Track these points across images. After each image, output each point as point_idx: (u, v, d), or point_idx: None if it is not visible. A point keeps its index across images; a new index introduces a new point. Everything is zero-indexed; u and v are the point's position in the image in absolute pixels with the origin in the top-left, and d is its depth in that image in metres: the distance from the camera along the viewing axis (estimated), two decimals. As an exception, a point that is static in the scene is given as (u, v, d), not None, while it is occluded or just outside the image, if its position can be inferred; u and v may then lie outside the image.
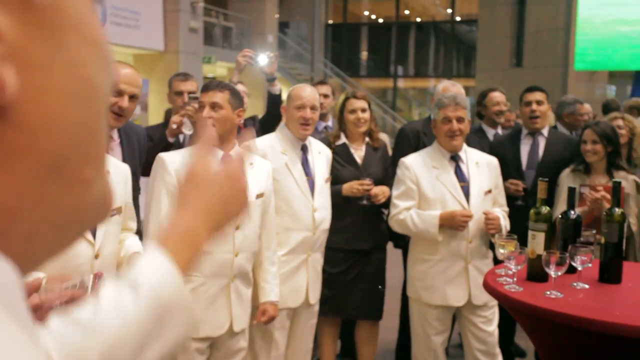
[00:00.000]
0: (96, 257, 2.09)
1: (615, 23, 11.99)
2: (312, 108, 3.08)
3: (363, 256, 3.45)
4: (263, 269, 2.75)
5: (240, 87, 4.52)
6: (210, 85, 2.62)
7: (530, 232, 2.41)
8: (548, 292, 2.19)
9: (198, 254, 0.81)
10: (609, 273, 2.37)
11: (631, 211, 3.27)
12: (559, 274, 2.21)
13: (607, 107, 6.82)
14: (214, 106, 2.55)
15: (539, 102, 3.71)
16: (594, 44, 12.06)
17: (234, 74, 4.05)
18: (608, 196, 3.10)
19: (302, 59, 17.77)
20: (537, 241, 2.38)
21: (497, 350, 3.14)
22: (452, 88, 3.66)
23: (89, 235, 2.06)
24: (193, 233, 0.81)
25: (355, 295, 3.44)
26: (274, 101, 3.85)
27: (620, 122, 3.82)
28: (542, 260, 2.29)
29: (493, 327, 3.12)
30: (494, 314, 3.13)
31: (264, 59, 4.16)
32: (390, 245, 3.74)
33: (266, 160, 2.82)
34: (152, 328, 0.74)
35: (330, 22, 21.25)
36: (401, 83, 22.15)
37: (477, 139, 3.81)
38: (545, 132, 3.75)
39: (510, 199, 3.43)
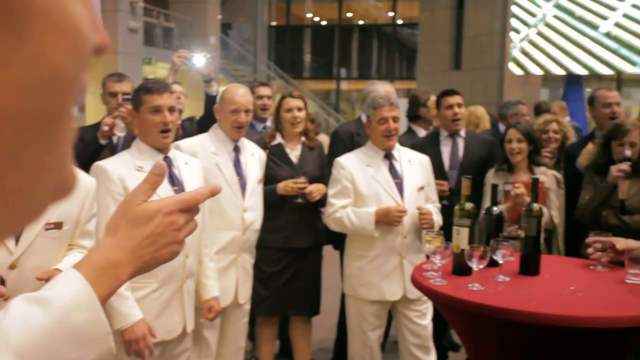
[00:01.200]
0: (12, 267, 2.00)
1: (546, 29, 12.44)
2: (246, 111, 3.12)
3: (300, 254, 3.49)
4: (203, 266, 2.77)
5: (177, 88, 4.50)
6: (167, 87, 2.60)
7: (454, 228, 2.51)
8: (470, 285, 2.28)
9: (116, 288, 0.80)
10: (528, 266, 2.49)
11: (552, 204, 3.42)
12: (481, 267, 2.31)
13: (539, 109, 7.09)
14: (172, 109, 2.55)
15: (459, 105, 3.84)
16: (528, 49, 12.48)
17: (169, 74, 4.03)
18: (525, 191, 3.20)
19: (245, 61, 17.71)
20: (461, 236, 2.47)
21: (431, 344, 3.24)
22: (386, 87, 3.77)
23: (10, 243, 1.98)
24: (115, 266, 0.79)
25: (292, 293, 3.48)
26: (211, 102, 3.85)
27: (555, 126, 4.00)
28: (465, 254, 2.39)
29: (427, 321, 3.22)
30: (427, 307, 3.22)
31: (200, 59, 4.15)
32: (329, 246, 3.80)
33: (196, 160, 2.82)
34: (59, 346, 0.73)
35: (274, 23, 21.25)
36: (344, 85, 22.36)
37: (407, 139, 3.93)
38: (462, 133, 3.90)
39: (438, 198, 3.55)
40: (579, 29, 11.88)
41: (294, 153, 3.53)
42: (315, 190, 3.40)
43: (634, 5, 11.09)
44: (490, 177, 3.54)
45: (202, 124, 3.82)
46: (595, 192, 3.33)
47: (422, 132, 4.29)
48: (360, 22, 23.14)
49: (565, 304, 2.15)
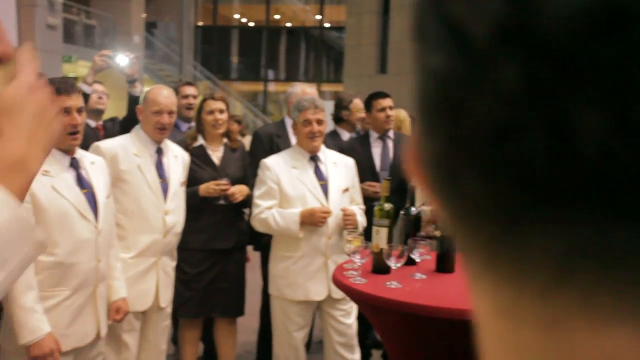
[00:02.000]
0: None
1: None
2: (170, 113, 3.09)
3: (223, 256, 3.48)
4: (111, 267, 2.72)
5: (98, 88, 4.40)
6: (75, 87, 2.53)
7: (374, 228, 2.58)
8: (389, 283, 2.36)
9: (30, 180, 0.79)
10: (444, 263, 2.59)
11: None
12: (399, 265, 2.39)
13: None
14: (80, 110, 2.49)
15: (391, 108, 3.94)
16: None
17: (89, 74, 3.93)
18: None
19: (171, 61, 17.42)
20: (380, 236, 2.54)
21: (356, 342, 3.30)
22: (309, 90, 3.81)
23: None
24: (21, 160, 0.78)
25: (216, 294, 3.47)
26: (134, 103, 3.77)
27: None
28: (384, 253, 2.46)
29: (352, 320, 3.28)
30: (352, 307, 3.29)
31: (123, 59, 4.07)
32: (250, 247, 3.81)
33: (100, 158, 2.76)
34: None
35: (200, 23, 20.99)
36: (272, 87, 22.35)
37: (332, 141, 3.99)
38: (391, 134, 4.00)
39: (369, 200, 3.62)
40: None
41: (216, 155, 3.53)
42: (237, 191, 3.41)
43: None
44: None
45: (125, 125, 3.74)
46: None
47: (345, 135, 4.36)
48: (288, 25, 23.21)
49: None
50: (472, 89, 0.23)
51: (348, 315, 3.26)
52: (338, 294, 3.18)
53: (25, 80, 0.81)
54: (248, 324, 3.91)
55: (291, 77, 22.71)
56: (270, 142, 3.75)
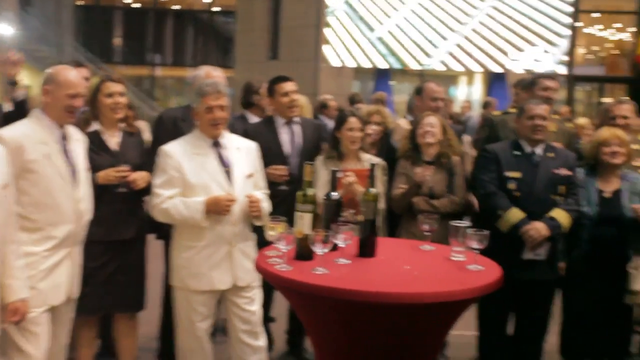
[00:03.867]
0: None
1: (359, 24, 13.13)
2: (82, 96, 2.92)
3: (123, 247, 3.32)
4: (8, 265, 2.48)
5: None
6: None
7: (297, 214, 2.52)
8: (315, 269, 2.31)
9: None
10: (366, 248, 2.58)
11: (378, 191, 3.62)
12: (326, 251, 2.35)
13: (353, 100, 7.47)
14: None
15: (294, 92, 3.88)
16: (344, 41, 13.07)
17: None
18: (357, 179, 3.41)
19: (49, 41, 16.32)
20: (303, 222, 2.49)
21: (260, 329, 3.25)
22: (214, 72, 3.67)
23: None
24: None
25: (115, 288, 3.30)
26: (21, 108, 3.34)
27: (377, 118, 4.21)
28: (308, 239, 2.41)
29: (256, 307, 3.22)
30: (256, 294, 3.23)
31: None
32: (151, 236, 3.63)
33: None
34: None
35: (81, 3, 19.84)
36: (159, 71, 21.61)
37: (240, 125, 3.89)
38: (298, 119, 3.95)
39: (275, 184, 3.56)
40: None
41: (113, 140, 3.35)
42: (139, 177, 3.26)
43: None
44: (320, 163, 3.63)
45: (10, 119, 3.31)
46: (406, 190, 3.61)
47: (254, 119, 4.27)
48: (176, 7, 22.46)
49: (405, 282, 2.27)
50: None
51: (252, 303, 3.20)
52: (243, 281, 3.12)
53: None
54: (149, 316, 3.74)
55: (178, 61, 22.06)
56: (174, 126, 3.58)
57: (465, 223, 2.60)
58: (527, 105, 3.60)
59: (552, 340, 3.74)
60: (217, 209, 2.99)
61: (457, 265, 2.51)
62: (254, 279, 3.18)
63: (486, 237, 2.49)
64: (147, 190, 3.26)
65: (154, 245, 3.70)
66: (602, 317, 3.62)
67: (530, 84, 4.16)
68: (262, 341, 3.25)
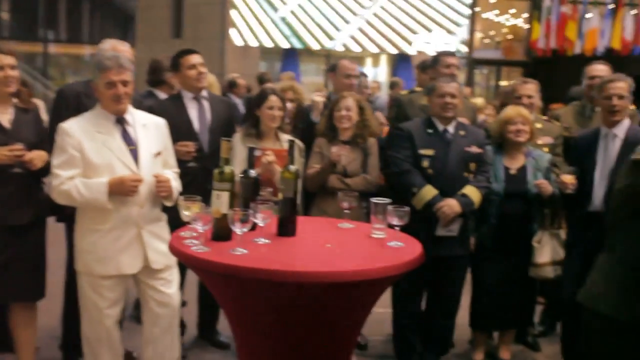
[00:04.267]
0: None
1: (265, 3, 12.94)
2: None
3: (20, 232, 3.11)
4: None
5: None
6: None
7: (214, 192, 2.41)
8: (233, 250, 2.22)
9: None
10: (286, 227, 2.51)
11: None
12: (245, 230, 2.26)
13: (262, 79, 7.35)
14: None
15: (202, 64, 3.74)
16: (249, 21, 12.85)
17: None
18: (275, 159, 3.35)
19: None
20: (221, 200, 2.39)
21: (178, 312, 3.12)
22: (121, 47, 3.46)
23: None
24: None
25: (11, 277, 3.09)
26: None
27: (291, 94, 4.15)
28: (227, 219, 2.31)
29: (174, 289, 3.08)
30: (173, 274, 3.09)
31: None
32: (51, 220, 3.39)
33: None
34: None
35: (-39, -28, 18.32)
36: (52, 48, 20.39)
37: (148, 102, 3.70)
38: (205, 94, 3.81)
39: (183, 162, 3.41)
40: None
41: (5, 117, 3.12)
42: (36, 157, 3.05)
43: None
44: (238, 140, 3.53)
45: None
46: (321, 168, 3.60)
47: (162, 96, 4.08)
48: (70, -20, 21.21)
49: (327, 261, 2.23)
50: None
51: (169, 284, 3.06)
52: (158, 264, 2.98)
53: None
54: (50, 305, 3.51)
55: (74, 38, 20.91)
56: (77, 102, 3.34)
57: (385, 200, 2.58)
58: (437, 83, 3.64)
59: (462, 313, 3.85)
60: (122, 190, 2.82)
61: (378, 243, 2.50)
62: (170, 260, 3.03)
63: (407, 214, 2.49)
64: (46, 170, 3.03)
65: (55, 228, 3.47)
66: (508, 289, 3.76)
67: (433, 62, 4.26)
68: (176, 329, 3.12)
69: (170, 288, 3.06)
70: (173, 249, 2.34)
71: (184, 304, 4.17)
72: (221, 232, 2.36)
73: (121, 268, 2.92)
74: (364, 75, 5.02)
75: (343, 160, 3.59)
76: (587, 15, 10.90)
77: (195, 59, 3.72)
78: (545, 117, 4.38)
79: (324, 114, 3.84)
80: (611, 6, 10.81)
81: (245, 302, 2.24)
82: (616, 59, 4.60)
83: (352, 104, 3.70)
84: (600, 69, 4.25)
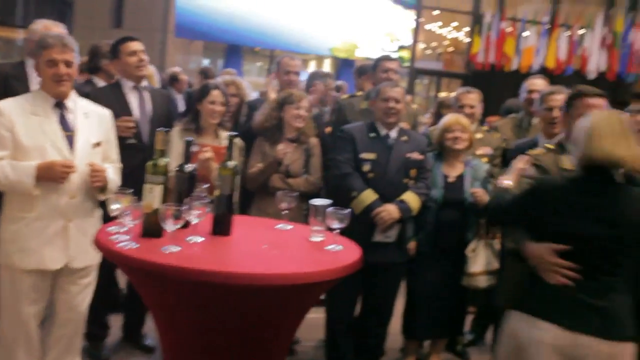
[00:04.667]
0: None
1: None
2: None
3: None
4: None
5: None
6: None
7: (147, 185, 2.28)
8: (165, 248, 2.10)
9: None
10: (221, 226, 2.41)
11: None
12: (177, 227, 2.14)
13: (206, 74, 7.17)
14: None
15: (143, 52, 3.61)
16: (192, 14, 12.58)
17: None
18: (213, 156, 3.24)
19: None
20: (154, 194, 2.26)
21: (84, 317, 2.96)
22: (55, 28, 3.28)
23: None
24: None
25: None
26: None
27: (233, 89, 4.05)
28: (158, 214, 2.19)
29: (86, 295, 2.92)
30: (90, 277, 2.93)
31: None
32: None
33: None
34: None
35: None
36: (-18, 30, 19.41)
37: (86, 89, 3.51)
38: (147, 85, 3.70)
39: (123, 139, 3.24)
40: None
41: None
42: None
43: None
44: (176, 134, 3.40)
45: None
46: (264, 167, 3.53)
47: (101, 84, 3.90)
48: (4, -40, 20.28)
49: (262, 263, 2.14)
50: None
51: (84, 290, 2.90)
52: (80, 262, 2.82)
53: None
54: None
55: (7, 21, 19.97)
56: (5, 84, 3.15)
57: (325, 201, 2.51)
58: (382, 88, 3.61)
59: (395, 320, 3.82)
60: (51, 175, 2.65)
61: (316, 246, 2.42)
62: (93, 260, 2.87)
63: (347, 217, 2.42)
64: None
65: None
66: (442, 298, 3.76)
67: (373, 67, 4.27)
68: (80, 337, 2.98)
69: (81, 293, 2.91)
70: (98, 244, 2.20)
71: (114, 305, 3.98)
72: (152, 228, 2.23)
73: (44, 262, 2.75)
74: (329, 76, 5.01)
75: (287, 159, 3.53)
76: (525, 34, 11.23)
77: (136, 45, 3.58)
78: (486, 127, 4.43)
79: (267, 112, 3.74)
80: (547, 26, 11.18)
81: (173, 303, 2.12)
82: (550, 77, 4.74)
83: (308, 104, 3.66)
84: (538, 84, 4.35)
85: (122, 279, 4.10)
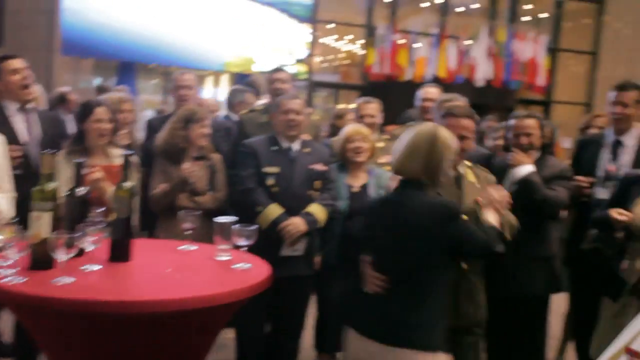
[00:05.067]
0: None
1: (100, 12, 12.24)
2: None
3: None
4: None
5: None
6: None
7: (33, 214, 2.09)
8: (56, 280, 1.93)
9: None
10: (119, 251, 2.26)
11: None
12: (70, 256, 1.98)
13: (102, 90, 6.87)
14: None
15: (25, 69, 3.40)
16: (80, 31, 12.05)
17: None
18: (105, 175, 3.08)
19: None
20: (42, 222, 2.08)
21: None
22: None
23: None
24: None
25: None
26: None
27: (128, 106, 3.89)
28: (47, 244, 2.01)
29: None
30: None
31: None
32: None
33: None
34: None
35: None
36: None
37: None
38: (33, 106, 3.48)
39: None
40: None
41: None
42: None
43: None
44: (62, 159, 3.18)
45: None
46: (171, 187, 3.39)
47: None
48: None
49: (166, 288, 2.01)
50: None
51: None
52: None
53: None
54: None
55: None
56: None
57: (230, 219, 2.42)
58: (281, 100, 3.57)
59: (307, 334, 3.77)
60: None
61: (223, 265, 2.32)
62: None
63: (254, 233, 2.34)
64: None
65: None
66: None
67: (267, 80, 4.29)
68: None
69: None
70: (-21, 281, 1.99)
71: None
72: (40, 260, 2.05)
73: None
74: (247, 90, 4.98)
75: (193, 177, 3.40)
76: (416, 45, 11.63)
77: (17, 63, 3.36)
78: (387, 136, 4.50)
79: (171, 131, 3.60)
80: (437, 37, 11.64)
81: (69, 341, 1.94)
82: (443, 86, 4.94)
83: (210, 121, 3.61)
84: (432, 92, 4.47)
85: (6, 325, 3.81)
